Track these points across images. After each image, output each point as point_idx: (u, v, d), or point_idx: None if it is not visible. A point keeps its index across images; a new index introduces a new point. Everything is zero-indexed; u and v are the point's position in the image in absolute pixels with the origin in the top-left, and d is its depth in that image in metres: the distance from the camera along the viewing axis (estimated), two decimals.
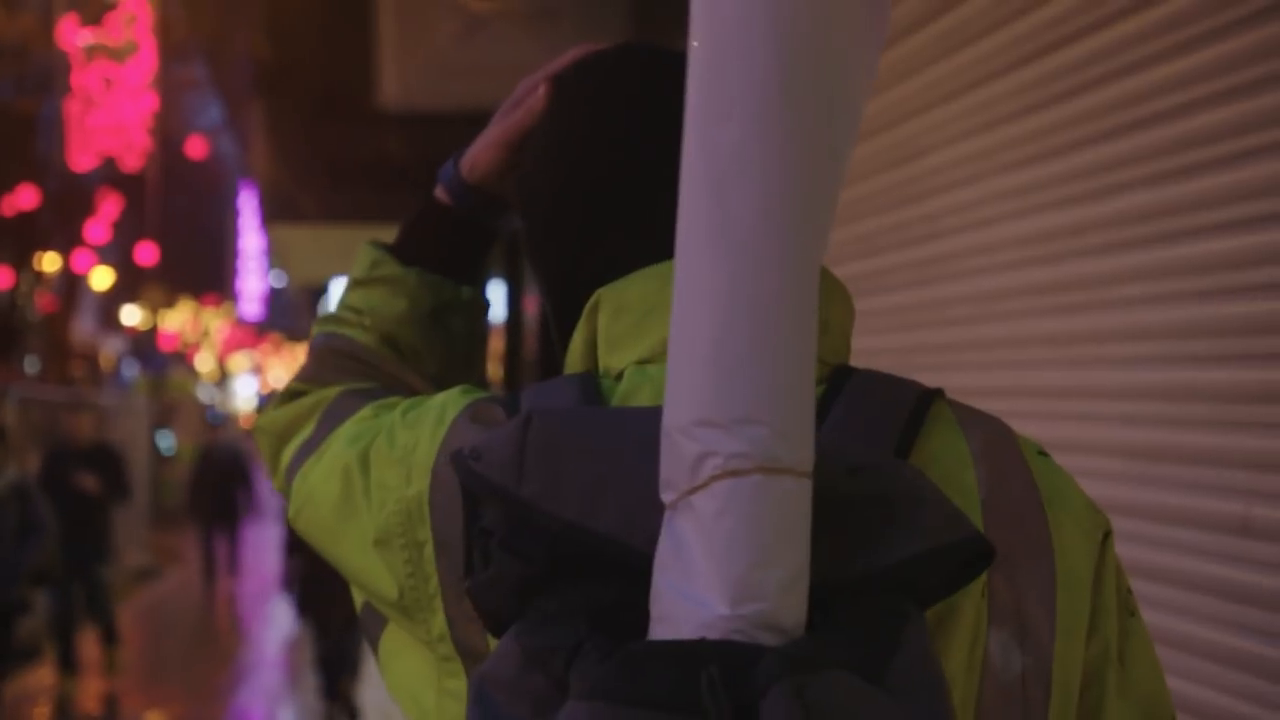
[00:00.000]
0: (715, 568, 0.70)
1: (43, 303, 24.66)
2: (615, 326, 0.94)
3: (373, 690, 8.24)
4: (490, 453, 0.80)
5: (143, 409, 17.25)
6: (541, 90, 1.09)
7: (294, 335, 50.46)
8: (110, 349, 30.68)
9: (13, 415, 8.51)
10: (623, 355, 0.94)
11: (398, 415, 1.00)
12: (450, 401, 0.98)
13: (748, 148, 0.71)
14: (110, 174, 25.09)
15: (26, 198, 21.99)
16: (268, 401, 1.22)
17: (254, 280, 44.99)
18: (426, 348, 1.18)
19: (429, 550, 0.93)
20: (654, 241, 0.93)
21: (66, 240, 23.79)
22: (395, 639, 1.00)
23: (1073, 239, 2.50)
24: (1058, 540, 0.90)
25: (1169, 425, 2.22)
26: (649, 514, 0.74)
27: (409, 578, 0.94)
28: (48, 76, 23.72)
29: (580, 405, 0.90)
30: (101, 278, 26.03)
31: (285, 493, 1.13)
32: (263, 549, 16.22)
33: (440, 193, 1.20)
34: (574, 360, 0.98)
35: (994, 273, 2.75)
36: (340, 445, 1.02)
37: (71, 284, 24.87)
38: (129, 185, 26.09)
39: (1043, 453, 0.96)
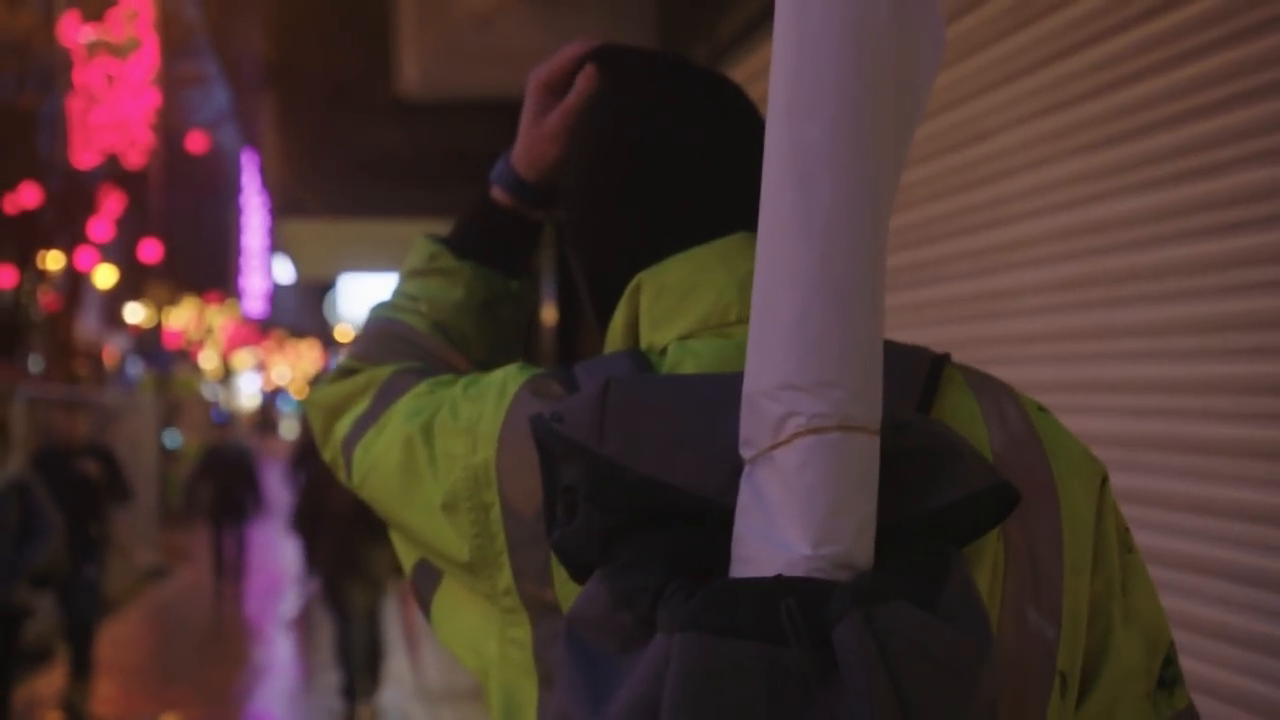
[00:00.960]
0: (797, 514, 0.80)
1: (46, 301, 24.56)
2: (657, 306, 1.05)
3: (393, 691, 8.12)
4: (572, 415, 0.90)
5: (148, 407, 17.14)
6: (585, 84, 1.19)
7: (297, 332, 50.44)
8: (114, 347, 30.58)
9: (20, 414, 8.21)
10: (665, 332, 1.03)
11: (459, 390, 1.09)
12: (510, 377, 1.06)
13: (829, 144, 0.81)
14: (113, 171, 24.96)
15: (29, 195, 21.87)
16: (321, 378, 1.32)
17: (257, 277, 44.90)
18: (476, 334, 1.28)
19: (495, 511, 1.01)
20: (686, 228, 1.06)
21: (69, 238, 23.67)
22: (451, 596, 1.08)
23: (1156, 224, 2.37)
24: (1062, 488, 0.99)
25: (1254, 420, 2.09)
26: (719, 468, 0.85)
27: (475, 538, 1.02)
28: (49, 73, 23.60)
29: (640, 375, 0.99)
30: (105, 276, 25.91)
31: (336, 463, 1.24)
32: (270, 548, 16.12)
33: (497, 192, 1.28)
34: (615, 338, 1.08)
35: (1065, 261, 2.61)
36: (400, 419, 1.11)
37: (75, 282, 24.76)
38: (132, 182, 25.96)
39: (1042, 409, 1.06)
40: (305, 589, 13.12)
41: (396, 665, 8.27)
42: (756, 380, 0.83)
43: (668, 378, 0.96)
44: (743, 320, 1.01)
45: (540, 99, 1.24)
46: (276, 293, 47.71)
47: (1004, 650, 0.94)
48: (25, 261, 22.96)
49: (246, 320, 43.41)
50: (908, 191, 3.22)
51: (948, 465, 0.87)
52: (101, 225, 24.19)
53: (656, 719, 0.77)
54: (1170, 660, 1.03)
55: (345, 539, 7.38)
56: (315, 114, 7.38)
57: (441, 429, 1.07)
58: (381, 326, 1.30)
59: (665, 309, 1.04)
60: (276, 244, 30.56)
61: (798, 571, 0.80)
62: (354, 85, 6.78)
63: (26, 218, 22.26)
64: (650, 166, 1.08)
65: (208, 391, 32.01)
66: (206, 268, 38.16)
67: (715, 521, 0.84)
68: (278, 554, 15.48)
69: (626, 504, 0.87)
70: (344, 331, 23.94)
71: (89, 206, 24.04)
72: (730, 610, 0.78)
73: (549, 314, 7.62)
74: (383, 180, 8.07)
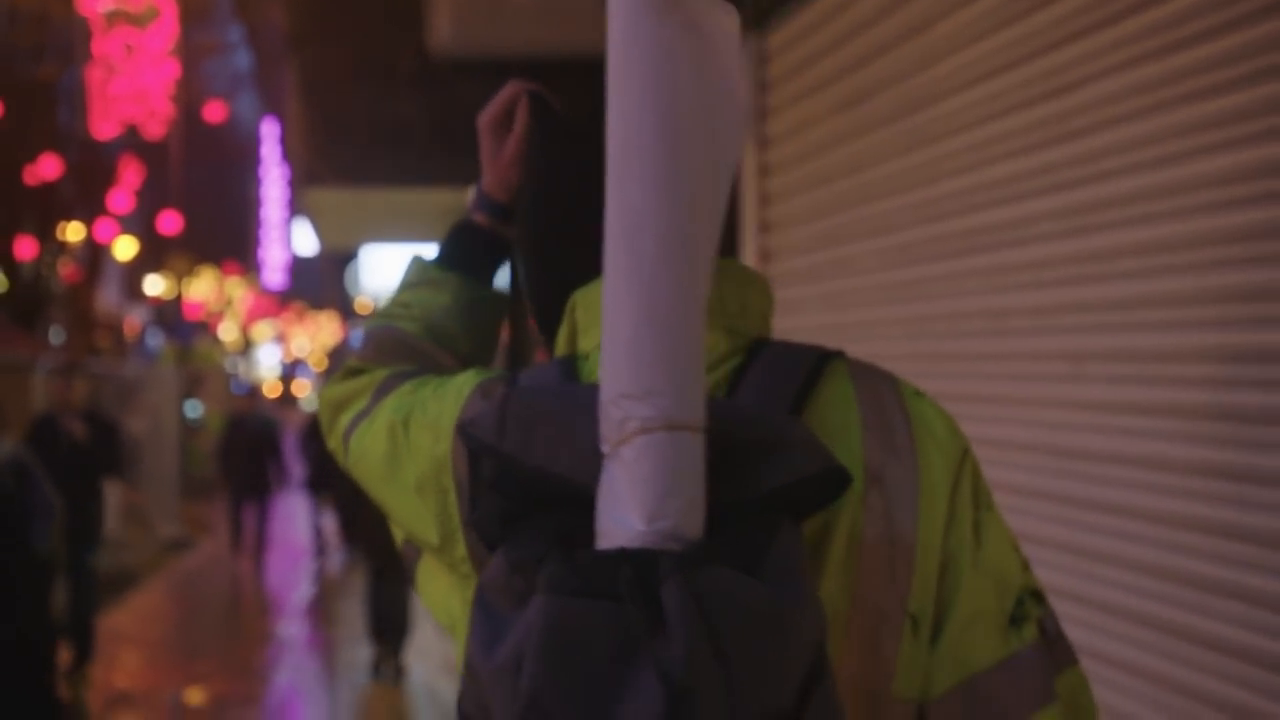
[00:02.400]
0: (636, 498, 0.98)
1: (66, 273, 24.51)
2: (585, 319, 1.24)
3: (419, 662, 8.04)
4: (482, 420, 1.10)
5: (170, 379, 17.06)
6: (523, 115, 1.42)
7: (317, 304, 50.40)
8: (135, 319, 30.56)
9: (41, 386, 7.97)
10: (589, 340, 1.23)
11: (430, 390, 1.30)
12: (466, 381, 1.28)
13: (647, 203, 1.01)
14: (132, 142, 24.85)
15: (49, 167, 21.78)
16: (330, 378, 1.51)
17: (277, 249, 44.84)
18: (461, 333, 1.48)
19: (452, 495, 1.23)
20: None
21: (89, 210, 23.59)
22: (429, 565, 1.31)
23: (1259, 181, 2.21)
24: (922, 460, 1.18)
25: None
26: (594, 461, 1.03)
27: (438, 516, 1.24)
28: (69, 44, 23.46)
29: (558, 382, 1.18)
30: (125, 247, 25.84)
31: (337, 450, 1.43)
32: (291, 521, 16.07)
33: (477, 215, 1.50)
34: (560, 346, 1.27)
35: (1169, 219, 2.45)
36: (387, 412, 1.32)
37: (95, 254, 24.70)
38: (151, 153, 25.86)
39: (919, 393, 1.25)
40: (326, 560, 13.06)
41: (424, 638, 8.18)
42: (605, 390, 1.03)
43: (559, 388, 1.17)
44: None
45: (491, 136, 1.46)
46: (296, 264, 47.67)
47: (861, 599, 1.15)
48: (45, 233, 22.89)
49: (266, 292, 43.37)
50: (984, 148, 3.05)
51: (779, 454, 1.05)
52: (121, 197, 24.10)
53: (521, 673, 0.95)
54: (1021, 602, 1.18)
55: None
56: (338, 81, 7.24)
57: (415, 423, 1.28)
58: (382, 333, 1.49)
59: (588, 322, 1.24)
60: (298, 213, 30.45)
61: (636, 544, 0.98)
62: (378, 51, 6.63)
63: (46, 189, 22.18)
64: (579, 203, 1.25)
65: (228, 363, 31.97)
66: (226, 239, 38.09)
67: (590, 504, 1.03)
68: (299, 527, 15.42)
69: (521, 490, 1.06)
70: (364, 303, 23.81)
71: (108, 178, 23.95)
72: (580, 576, 0.97)
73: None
74: (406, 148, 7.93)
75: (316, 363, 48.76)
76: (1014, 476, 2.95)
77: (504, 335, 1.61)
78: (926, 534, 1.17)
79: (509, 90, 1.45)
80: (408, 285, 1.52)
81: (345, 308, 42.97)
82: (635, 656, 0.93)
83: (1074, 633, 2.67)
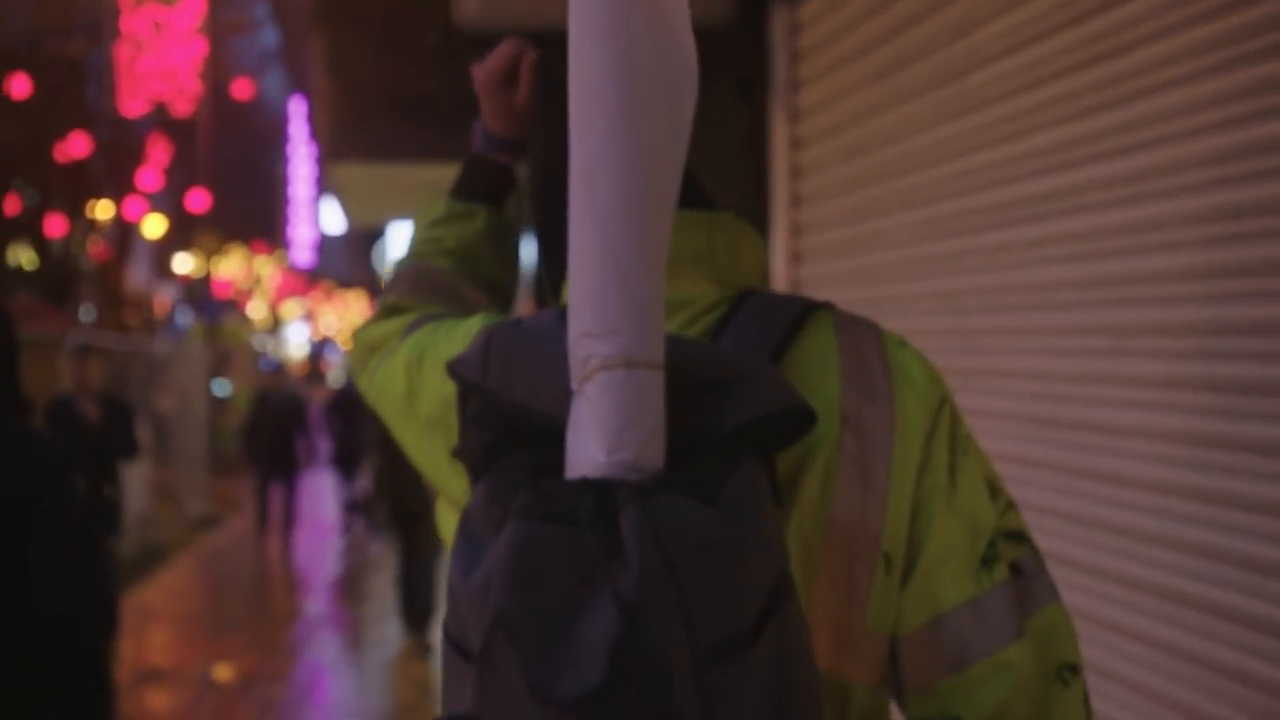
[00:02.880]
0: (597, 431, 1.03)
1: (96, 251, 24.61)
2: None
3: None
4: (467, 359, 1.16)
5: (199, 357, 17.12)
6: (528, 73, 1.50)
7: (345, 283, 50.51)
8: (164, 297, 30.68)
9: (69, 363, 7.95)
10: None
11: (444, 331, 1.37)
12: (475, 324, 1.35)
13: (604, 150, 1.05)
14: (161, 119, 24.90)
15: (78, 145, 21.85)
16: (369, 320, 1.57)
17: (305, 227, 44.92)
18: (493, 257, 1.57)
19: (456, 432, 1.25)
20: None
21: (118, 188, 23.66)
22: (443, 505, 1.39)
23: None
24: (899, 407, 1.22)
25: None
26: (568, 399, 1.06)
27: (445, 452, 1.30)
28: (97, 21, 23.51)
29: (552, 325, 1.17)
30: (154, 225, 25.92)
31: (367, 390, 1.50)
32: (321, 497, 16.11)
33: (491, 153, 1.58)
34: (565, 296, 1.27)
35: (1217, 188, 2.37)
36: (407, 350, 1.40)
37: (124, 232, 24.79)
38: (179, 131, 25.90)
39: (902, 343, 1.29)
40: (353, 537, 13.07)
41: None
42: (571, 330, 1.07)
43: (539, 329, 1.18)
44: None
45: (491, 90, 1.53)
46: (324, 243, 47.76)
47: (835, 537, 1.20)
48: (75, 211, 22.99)
49: (294, 270, 43.48)
50: (1023, 118, 2.97)
51: (744, 393, 1.08)
52: (150, 174, 24.17)
53: (491, 593, 1.00)
54: (993, 544, 1.22)
55: (415, 474, 7.33)
56: (366, 55, 7.18)
57: (428, 362, 1.36)
58: (415, 269, 1.56)
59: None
60: (325, 190, 30.48)
61: (598, 474, 1.02)
62: (404, 25, 6.57)
63: (76, 167, 22.26)
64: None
65: (256, 341, 32.08)
66: (254, 217, 38.17)
67: (563, 438, 1.07)
68: (327, 503, 15.46)
69: (502, 425, 1.12)
70: None
71: (137, 156, 24.01)
72: (545, 504, 1.01)
73: None
74: (432, 123, 7.87)
75: (344, 341, 48.87)
76: (1052, 453, 2.88)
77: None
78: (900, 477, 1.21)
79: (509, 48, 1.52)
80: (436, 221, 1.59)
81: (373, 286, 43.03)
82: (594, 580, 0.98)
83: (1110, 613, 2.61)
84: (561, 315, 1.20)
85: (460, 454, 1.17)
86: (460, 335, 1.34)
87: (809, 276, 4.38)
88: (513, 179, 1.60)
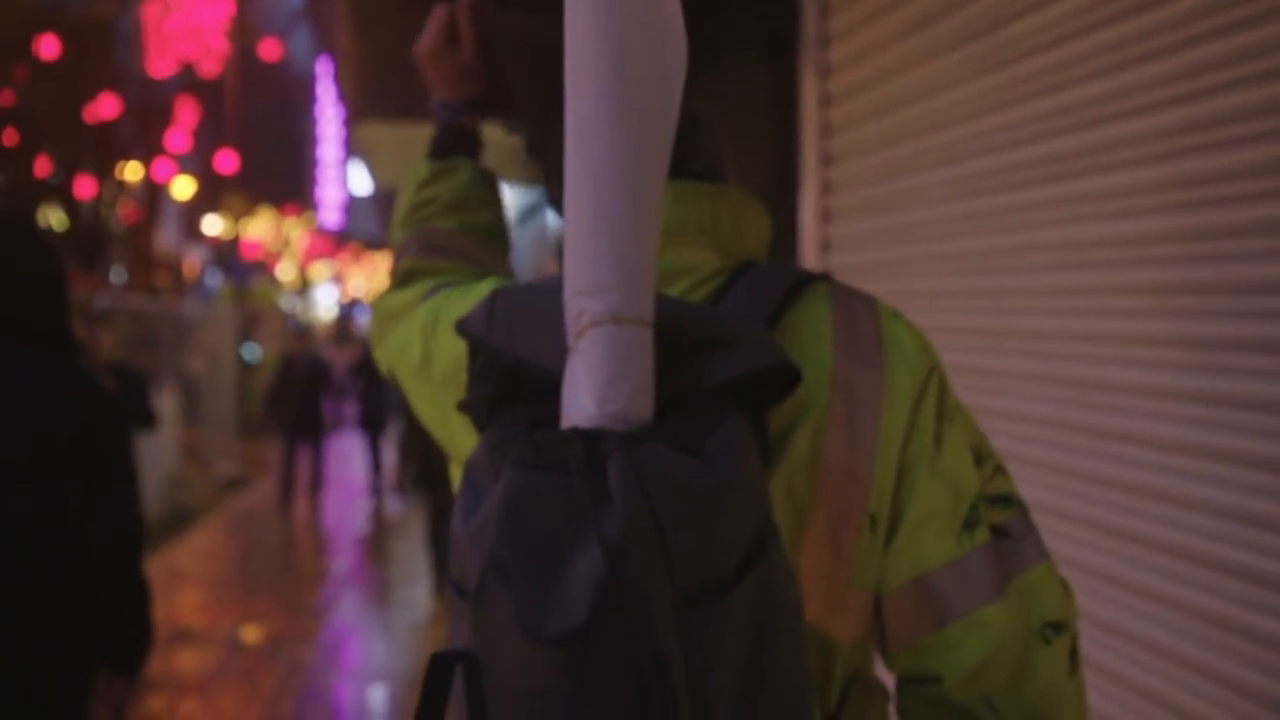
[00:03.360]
0: (588, 384, 1.08)
1: (126, 213, 24.66)
2: None
3: None
4: (473, 317, 1.22)
5: (227, 318, 17.15)
6: (469, 35, 1.60)
7: (373, 244, 50.55)
8: (194, 259, 30.77)
9: (100, 325, 7.81)
10: None
11: (458, 295, 1.43)
12: (487, 286, 1.41)
13: (596, 116, 1.10)
14: (189, 81, 24.88)
15: (107, 106, 21.85)
16: (388, 287, 1.61)
17: (333, 188, 44.93)
18: (482, 202, 1.62)
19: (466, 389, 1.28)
20: None
21: (147, 149, 23.67)
22: (455, 465, 1.45)
23: None
24: (889, 374, 1.26)
25: None
26: (566, 354, 1.11)
27: (457, 409, 1.29)
28: None
29: (554, 286, 1.18)
30: (183, 187, 25.95)
31: (384, 359, 1.56)
32: (348, 460, 16.15)
33: (456, 119, 1.64)
34: None
35: (1268, 141, 2.28)
36: (422, 314, 1.46)
37: (153, 193, 24.82)
38: (207, 92, 25.88)
39: (896, 315, 1.33)
40: (381, 499, 13.10)
41: None
42: (566, 288, 1.12)
43: (540, 288, 1.23)
44: None
45: (434, 61, 1.61)
46: (352, 204, 47.77)
47: (823, 496, 1.24)
48: (104, 173, 23.02)
49: (322, 232, 43.52)
50: (1062, 70, 2.87)
51: (730, 351, 1.13)
52: (178, 136, 24.16)
53: (487, 535, 1.05)
54: (975, 508, 1.27)
55: None
56: (391, 13, 7.10)
57: (442, 323, 1.41)
58: (424, 234, 1.60)
59: None
60: (352, 151, 30.43)
61: (588, 425, 1.07)
62: None
63: (105, 128, 22.27)
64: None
65: (285, 303, 32.16)
66: (282, 179, 38.19)
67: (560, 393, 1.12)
68: (355, 465, 15.49)
69: (505, 379, 1.17)
70: None
71: (166, 117, 24.01)
72: (539, 452, 1.06)
73: None
74: None
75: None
76: (1090, 417, 2.80)
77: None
78: (887, 441, 1.26)
79: (441, 13, 1.61)
80: (424, 183, 1.63)
81: None
82: (582, 524, 1.02)
83: (1142, 577, 2.54)
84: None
85: (466, 407, 1.22)
86: (473, 299, 1.39)
87: (839, 235, 4.29)
88: (479, 135, 1.68)
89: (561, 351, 1.12)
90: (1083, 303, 2.84)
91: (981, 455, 1.32)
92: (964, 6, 3.36)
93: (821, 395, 1.25)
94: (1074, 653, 1.29)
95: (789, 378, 1.15)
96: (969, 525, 1.27)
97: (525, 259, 14.27)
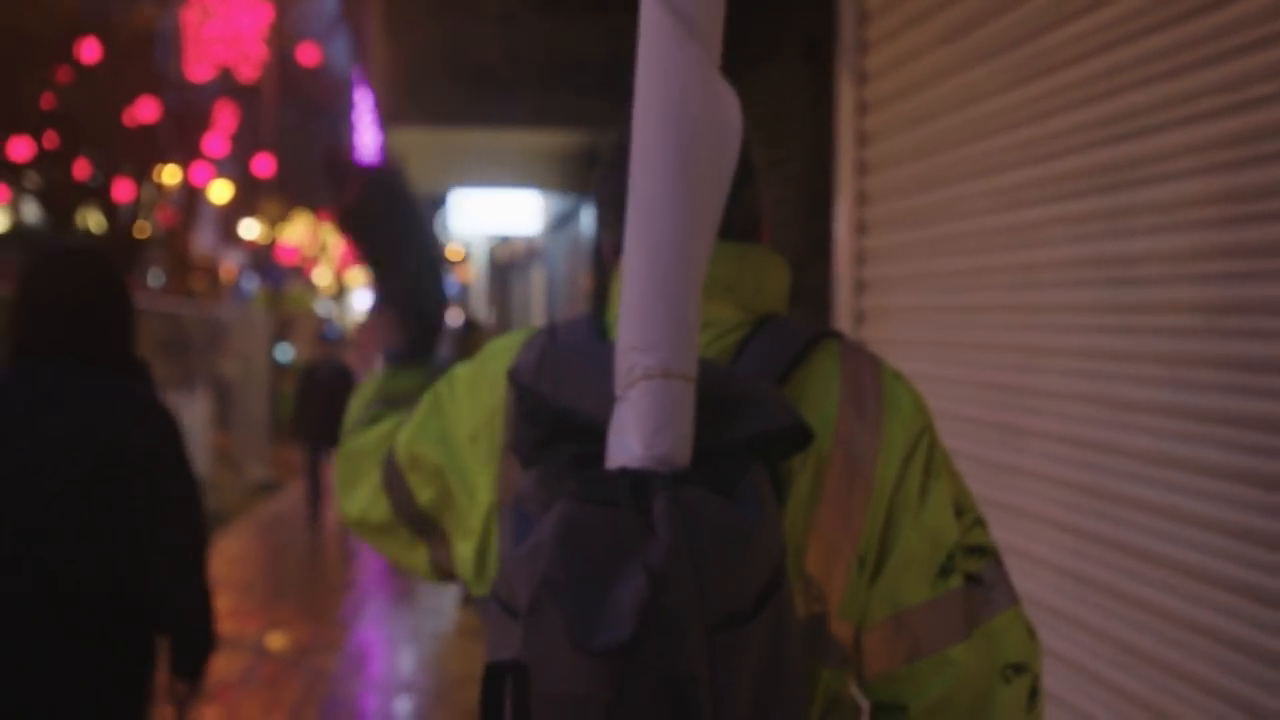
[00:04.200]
0: (637, 430, 1.23)
1: (163, 216, 24.79)
2: (616, 292, 1.51)
3: None
4: (524, 367, 1.39)
5: (262, 322, 17.17)
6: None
7: None
8: (230, 262, 30.91)
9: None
10: (614, 311, 1.50)
11: (477, 363, 1.60)
12: (514, 338, 1.58)
13: (657, 190, 1.27)
14: (227, 85, 25.00)
15: (146, 110, 21.98)
16: (349, 432, 1.81)
17: None
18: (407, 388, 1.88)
19: (500, 434, 1.51)
20: None
21: (185, 153, 23.80)
22: (458, 509, 1.62)
23: None
24: (885, 432, 1.44)
25: None
26: (608, 404, 1.28)
27: (486, 459, 1.52)
28: None
29: (586, 338, 1.49)
30: (220, 191, 26.06)
31: (395, 475, 1.66)
32: None
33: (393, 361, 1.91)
34: (609, 306, 1.55)
35: None
36: (423, 409, 1.63)
37: (191, 197, 24.94)
38: (245, 97, 25.99)
39: (897, 376, 1.50)
40: None
41: None
42: (619, 343, 1.27)
43: (585, 345, 1.46)
44: None
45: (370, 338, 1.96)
46: None
47: (819, 536, 1.39)
48: (143, 176, 23.15)
49: None
50: (1109, 78, 2.77)
51: (757, 410, 1.28)
52: (216, 140, 24.28)
53: (541, 559, 1.17)
54: (951, 556, 1.42)
55: None
56: (425, 19, 7.05)
57: (457, 395, 1.60)
58: (385, 403, 1.85)
59: (616, 295, 1.49)
60: (387, 159, 30.48)
61: (635, 465, 1.22)
62: None
63: (144, 132, 22.40)
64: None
65: (321, 308, 32.25)
66: (319, 183, 38.32)
67: (603, 436, 1.27)
68: None
69: (551, 423, 1.32)
70: (454, 250, 23.76)
71: (204, 121, 24.13)
72: (590, 487, 1.20)
73: None
74: (493, 87, 7.74)
75: None
76: (1134, 440, 2.69)
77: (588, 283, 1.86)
78: (879, 491, 1.42)
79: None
80: (386, 379, 1.89)
81: None
82: (629, 552, 1.16)
83: (1192, 612, 2.42)
84: (592, 330, 1.51)
85: (514, 447, 1.36)
86: (502, 352, 1.57)
87: (874, 247, 4.19)
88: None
89: (602, 401, 1.28)
90: (1128, 319, 2.73)
91: (962, 508, 1.47)
92: (1004, 13, 3.26)
93: (825, 445, 1.41)
94: (1034, 693, 1.44)
95: (802, 437, 1.30)
96: (945, 571, 1.42)
97: (557, 264, 14.20)
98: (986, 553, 1.47)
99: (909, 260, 3.91)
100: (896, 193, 4.01)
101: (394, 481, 1.66)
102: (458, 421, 1.56)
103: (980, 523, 1.48)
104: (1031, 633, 1.46)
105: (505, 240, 19.62)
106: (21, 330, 2.84)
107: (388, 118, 8.98)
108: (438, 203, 15.12)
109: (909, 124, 3.89)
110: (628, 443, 1.23)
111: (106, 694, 2.74)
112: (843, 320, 4.32)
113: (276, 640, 7.83)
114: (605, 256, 1.59)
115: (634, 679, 1.13)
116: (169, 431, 2.83)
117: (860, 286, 4.29)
